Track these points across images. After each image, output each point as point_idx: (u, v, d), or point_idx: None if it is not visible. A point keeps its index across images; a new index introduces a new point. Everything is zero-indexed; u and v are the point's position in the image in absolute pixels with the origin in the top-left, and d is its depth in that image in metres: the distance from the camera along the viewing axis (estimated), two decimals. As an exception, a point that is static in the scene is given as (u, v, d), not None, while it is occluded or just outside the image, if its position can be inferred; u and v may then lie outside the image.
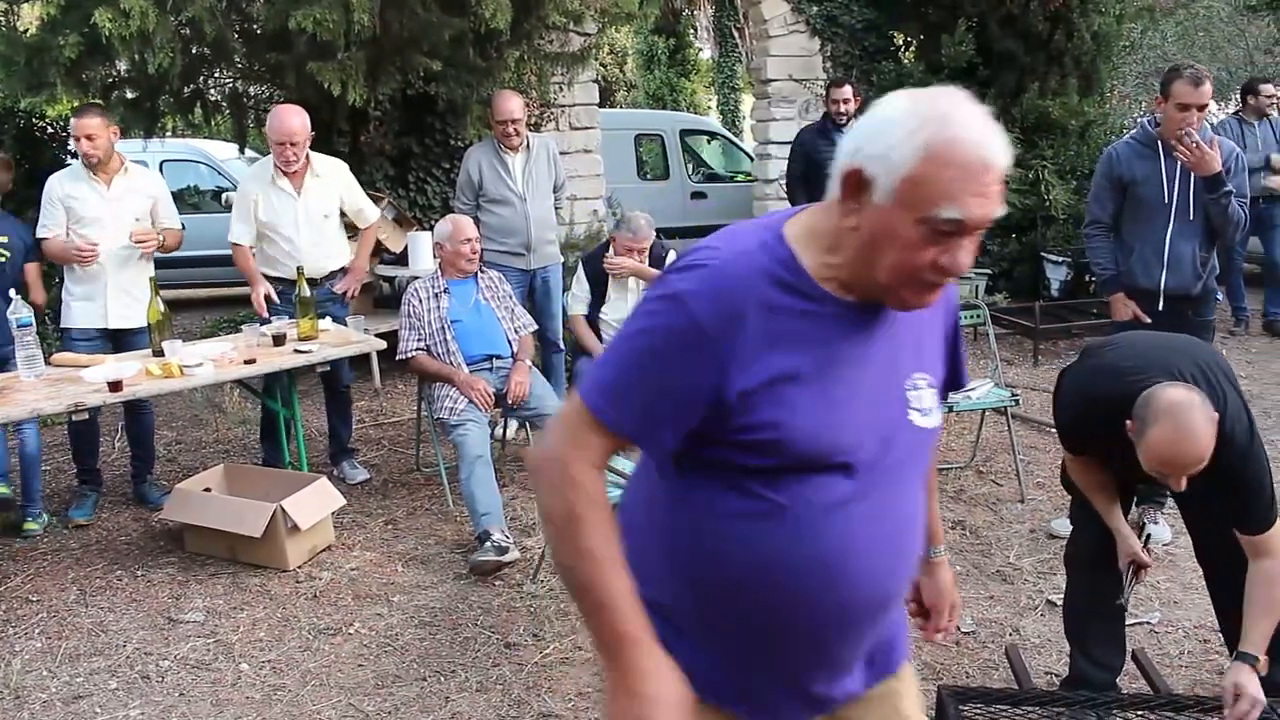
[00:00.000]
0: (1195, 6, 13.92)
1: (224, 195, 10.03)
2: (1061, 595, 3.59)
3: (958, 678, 3.51)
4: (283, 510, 4.26)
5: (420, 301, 4.86)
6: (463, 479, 4.44)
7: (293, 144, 4.89)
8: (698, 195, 11.91)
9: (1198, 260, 4.45)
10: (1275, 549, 2.72)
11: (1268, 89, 8.43)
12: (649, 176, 11.83)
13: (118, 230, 4.75)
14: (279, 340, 4.71)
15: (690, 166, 12.29)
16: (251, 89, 7.28)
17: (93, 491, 5.02)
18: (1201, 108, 4.28)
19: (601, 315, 5.25)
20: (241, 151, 8.82)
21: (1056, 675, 3.41)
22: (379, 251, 6.78)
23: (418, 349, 4.82)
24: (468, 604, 4.06)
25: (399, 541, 4.64)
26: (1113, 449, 2.74)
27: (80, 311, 4.82)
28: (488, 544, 4.25)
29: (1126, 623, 3.32)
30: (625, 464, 4.21)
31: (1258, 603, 2.75)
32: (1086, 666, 3.20)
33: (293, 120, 4.93)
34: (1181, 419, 2.53)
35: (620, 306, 5.21)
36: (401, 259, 6.97)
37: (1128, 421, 2.64)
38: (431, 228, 6.30)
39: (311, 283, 4.93)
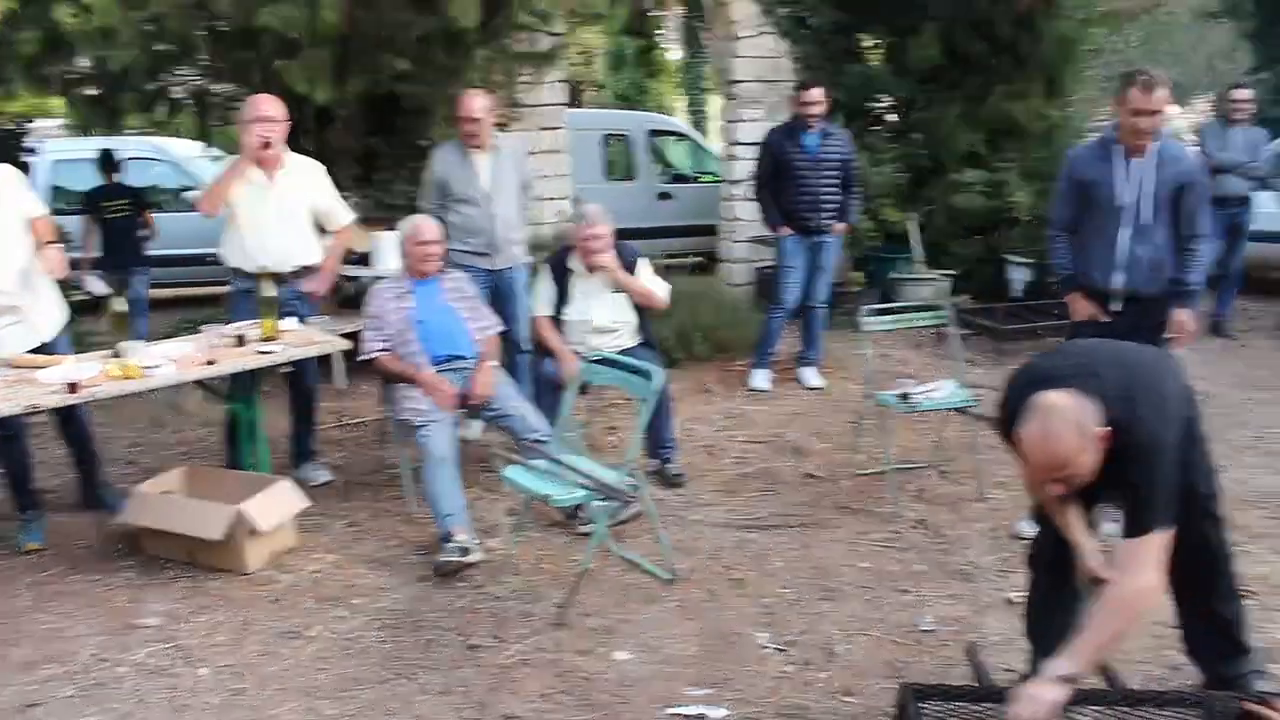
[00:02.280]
0: (1158, 13, 14.08)
1: (188, 194, 9.93)
2: (1021, 594, 3.62)
3: (919, 675, 3.52)
4: (243, 513, 4.22)
5: (384, 301, 4.84)
6: (426, 480, 4.43)
7: (270, 121, 4.84)
8: (664, 196, 11.92)
9: (1154, 263, 4.50)
10: (1140, 563, 2.71)
11: (1238, 94, 8.57)
12: (616, 177, 11.83)
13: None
14: (241, 341, 4.67)
15: (657, 167, 12.30)
16: (216, 87, 7.21)
17: (37, 514, 4.75)
18: (1154, 113, 4.34)
19: (564, 316, 5.24)
20: (206, 148, 8.73)
21: (1015, 671, 3.43)
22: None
23: (381, 349, 4.80)
24: (430, 605, 4.04)
25: (361, 543, 4.61)
26: None
27: None
28: (451, 545, 4.23)
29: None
30: (589, 464, 4.21)
31: (1095, 617, 2.77)
32: (1044, 665, 3.22)
33: (271, 103, 4.91)
34: (1044, 422, 2.59)
35: (584, 308, 5.20)
36: (366, 259, 6.94)
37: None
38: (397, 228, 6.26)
39: (279, 279, 4.90)
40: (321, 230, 5.28)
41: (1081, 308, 4.65)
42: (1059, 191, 4.72)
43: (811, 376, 7.07)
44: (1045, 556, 3.24)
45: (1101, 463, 2.70)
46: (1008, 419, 2.86)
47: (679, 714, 3.33)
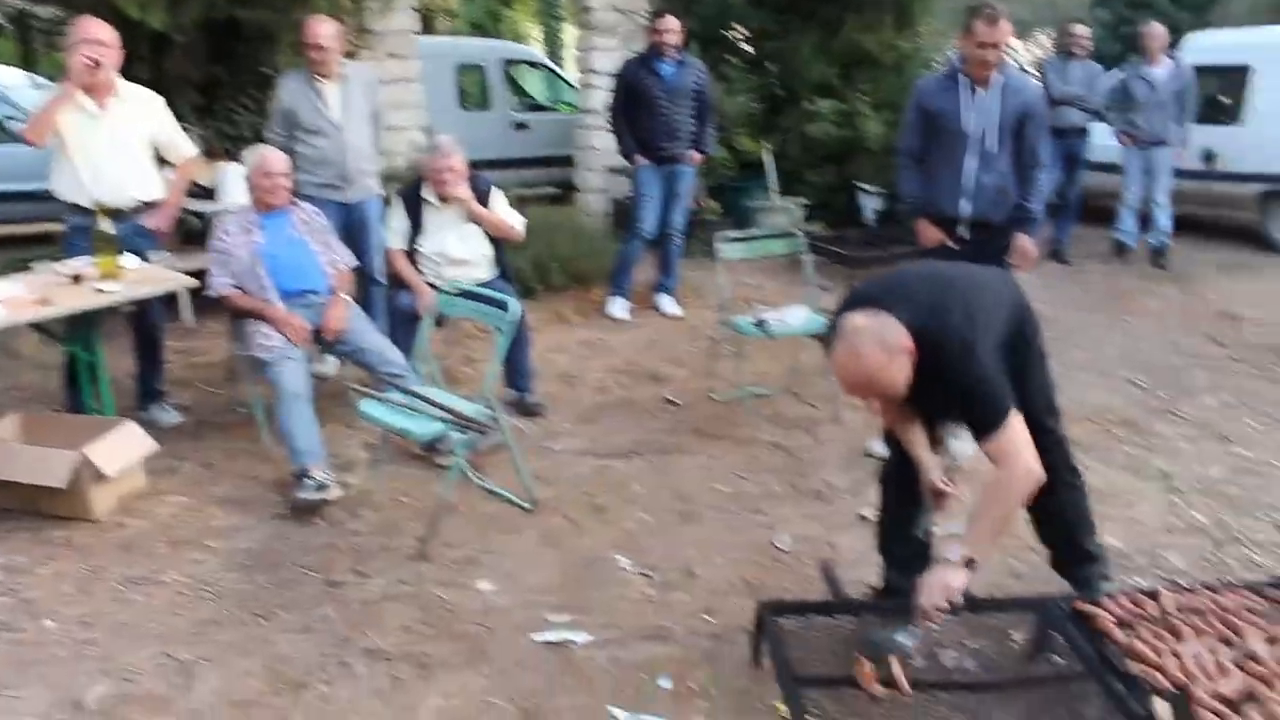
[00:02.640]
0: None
1: (13, 124, 9.37)
2: (873, 511, 3.75)
3: (776, 593, 3.64)
4: (87, 457, 4.08)
5: (230, 236, 4.69)
6: (280, 417, 4.34)
7: (99, 44, 4.60)
8: (521, 126, 11.77)
9: (997, 190, 4.65)
10: (1005, 458, 2.84)
11: (1077, 30, 8.88)
12: (470, 107, 11.61)
13: None
14: (77, 280, 4.47)
15: (513, 97, 12.12)
16: (40, 10, 6.81)
17: None
18: (997, 45, 4.46)
19: (419, 248, 5.16)
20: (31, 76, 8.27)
21: (869, 586, 3.57)
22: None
23: (229, 286, 4.65)
24: (288, 544, 3.99)
25: (215, 484, 4.51)
26: None
27: None
28: (307, 482, 4.17)
29: (934, 534, 3.49)
30: (444, 395, 4.19)
31: (978, 506, 2.94)
32: (894, 577, 3.36)
33: (99, 26, 4.65)
34: (850, 343, 2.71)
35: (438, 239, 5.13)
36: (211, 193, 6.70)
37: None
38: (242, 160, 6.06)
39: (117, 215, 4.69)
40: (162, 163, 5.07)
41: (930, 234, 4.79)
42: (907, 121, 4.83)
43: (669, 304, 7.14)
44: (894, 473, 3.36)
45: (925, 378, 2.80)
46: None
47: (544, 640, 3.37)
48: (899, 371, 2.76)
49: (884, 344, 2.72)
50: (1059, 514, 3.39)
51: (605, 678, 3.18)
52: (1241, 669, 2.78)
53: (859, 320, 2.76)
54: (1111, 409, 5.50)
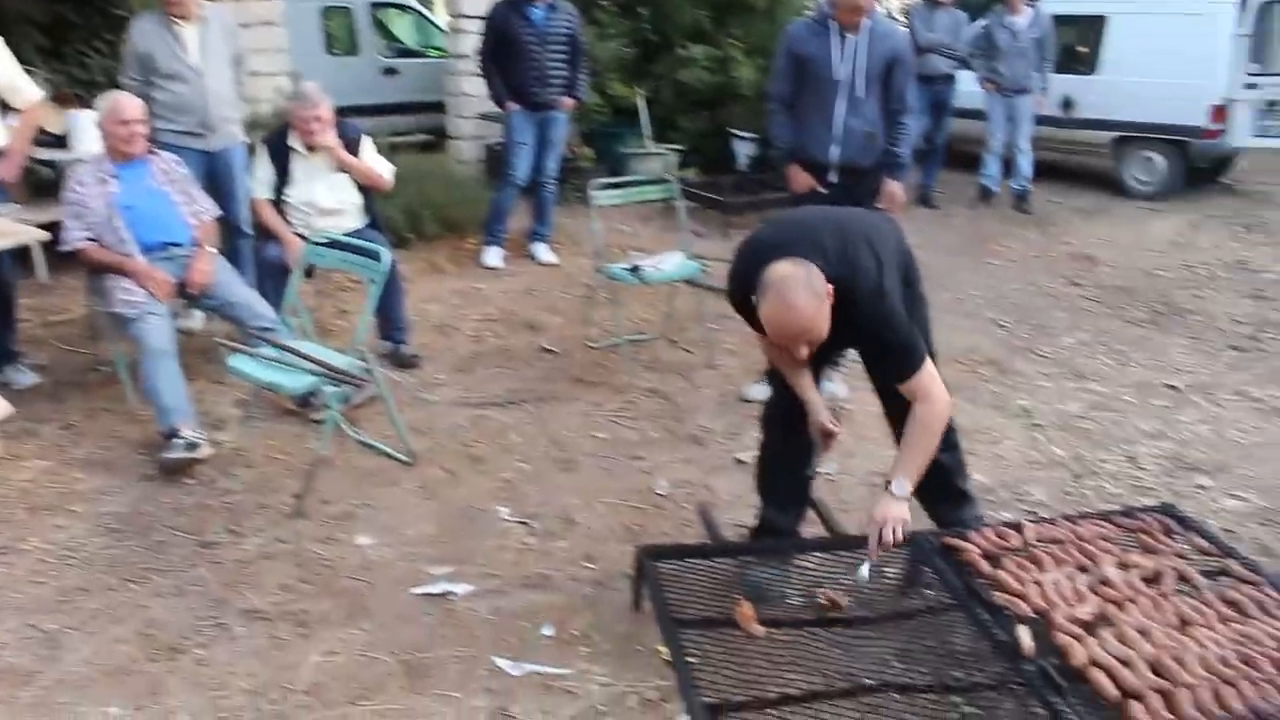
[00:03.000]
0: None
1: None
2: (749, 454, 3.82)
3: (655, 538, 3.68)
4: (-64, 421, 3.89)
5: (84, 187, 4.48)
6: (145, 375, 4.20)
7: None
8: (390, 72, 11.48)
9: (866, 135, 4.72)
10: (924, 394, 2.97)
11: None
12: (337, 52, 11.27)
13: None
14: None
15: (381, 42, 11.81)
16: None
17: None
18: None
19: (286, 198, 5.02)
20: None
21: (746, 527, 3.64)
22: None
23: (85, 239, 4.46)
24: (158, 506, 3.88)
25: (77, 446, 4.34)
26: None
27: None
28: (176, 441, 4.05)
29: (820, 473, 3.56)
30: (318, 349, 4.11)
31: (905, 439, 3.03)
32: (774, 516, 3.42)
33: None
34: (782, 293, 2.72)
35: (306, 189, 5.00)
36: (63, 141, 6.39)
37: (752, 297, 2.81)
38: (95, 106, 5.78)
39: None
40: (5, 108, 4.82)
41: (800, 179, 4.84)
42: (778, 67, 4.86)
43: (543, 252, 7.10)
44: (779, 415, 3.41)
45: (837, 323, 2.85)
46: (738, 289, 2.96)
47: (424, 593, 3.36)
48: (825, 318, 2.80)
49: (814, 291, 2.75)
50: (934, 457, 3.50)
51: (487, 628, 3.19)
52: (1096, 594, 2.93)
53: (787, 269, 2.76)
54: (977, 349, 5.68)
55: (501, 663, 3.01)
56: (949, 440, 3.50)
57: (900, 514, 2.95)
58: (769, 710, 2.66)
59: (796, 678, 2.80)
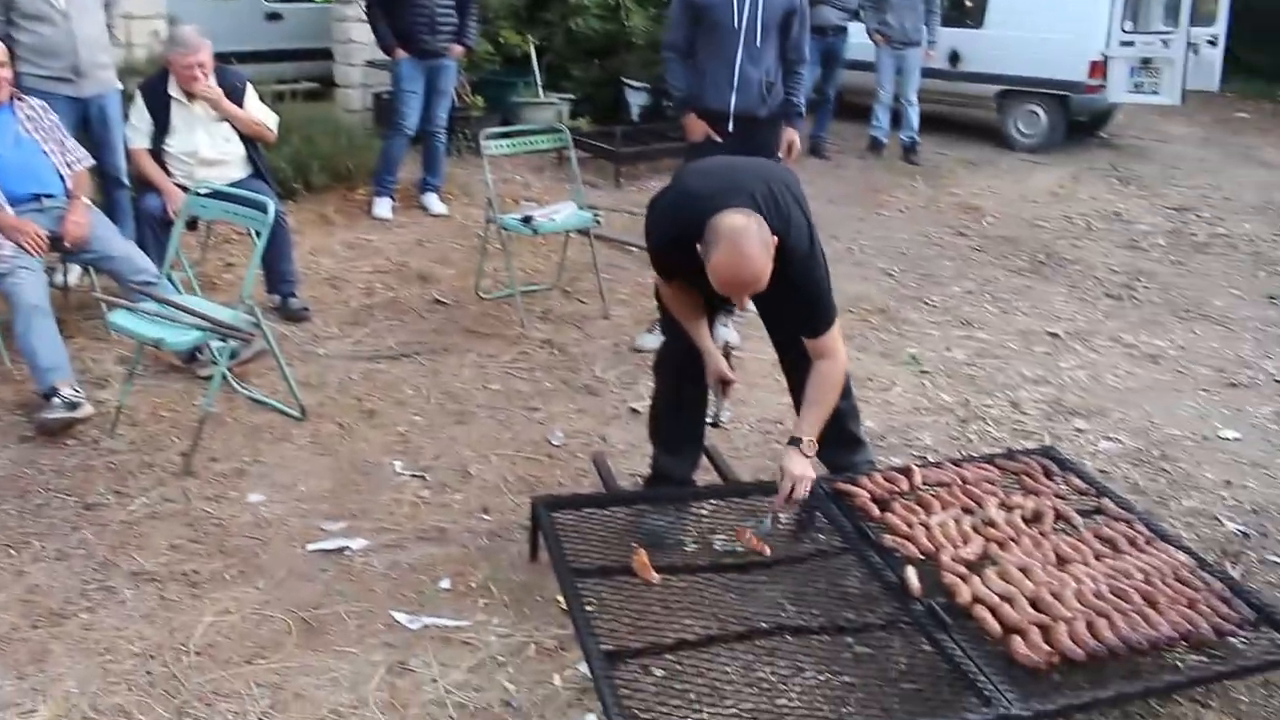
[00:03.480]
0: None
1: None
2: (644, 404, 3.85)
3: (551, 488, 3.69)
4: None
5: (-55, 136, 4.28)
6: (19, 334, 4.03)
7: None
8: (273, 16, 11.11)
9: (764, 84, 4.74)
10: (829, 351, 3.04)
11: None
12: (217, -6, 10.89)
13: None
14: None
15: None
16: None
17: None
18: None
19: (166, 147, 4.85)
20: None
21: (640, 476, 3.67)
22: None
23: (-52, 191, 4.26)
24: (37, 468, 3.74)
25: (-53, 407, 4.18)
26: (699, 273, 2.87)
27: None
28: (55, 401, 3.91)
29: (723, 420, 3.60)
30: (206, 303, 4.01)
31: (811, 396, 3.09)
32: (668, 464, 3.45)
33: None
34: (737, 244, 2.73)
35: (187, 138, 4.83)
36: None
37: (697, 246, 2.82)
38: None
39: None
40: None
41: (697, 128, 4.84)
42: (674, 16, 4.85)
43: (435, 203, 7.00)
44: (672, 363, 3.43)
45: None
46: (675, 239, 2.94)
47: (319, 549, 3.32)
48: (770, 269, 2.81)
49: (764, 242, 2.76)
50: None
51: (384, 582, 3.17)
52: (981, 534, 3.03)
53: (740, 220, 2.75)
54: (867, 298, 5.79)
55: (399, 617, 3.00)
56: (843, 388, 3.57)
57: (810, 472, 3.02)
58: (666, 655, 2.71)
59: (693, 623, 2.85)
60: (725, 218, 2.76)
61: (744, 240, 2.72)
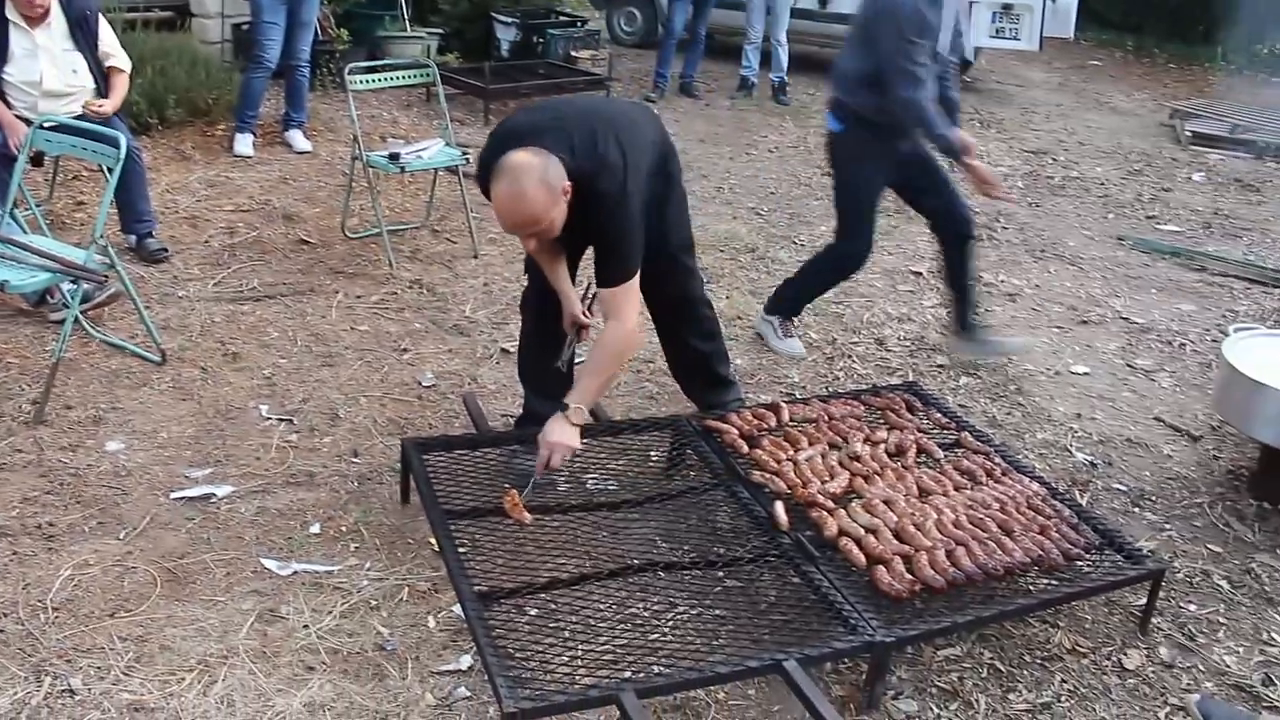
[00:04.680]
0: None
1: None
2: (514, 344, 3.83)
3: (421, 430, 3.66)
4: None
5: None
6: None
7: None
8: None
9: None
10: (619, 310, 2.98)
11: None
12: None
13: None
14: None
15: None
16: None
17: None
18: None
19: (5, 76, 4.57)
20: None
21: (511, 416, 3.66)
22: None
23: None
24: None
25: None
26: None
27: None
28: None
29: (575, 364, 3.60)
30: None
31: (589, 365, 3.10)
32: (538, 404, 3.44)
33: None
34: (513, 183, 2.71)
35: (29, 66, 4.55)
36: None
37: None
38: None
39: None
40: None
41: None
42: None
43: (298, 139, 6.78)
44: (533, 303, 3.41)
45: (577, 216, 2.85)
46: (485, 176, 2.90)
47: (183, 497, 3.24)
48: (560, 213, 2.77)
49: (548, 184, 2.72)
50: (695, 345, 3.59)
51: (252, 529, 3.11)
52: (846, 469, 3.12)
53: (524, 157, 2.72)
54: (737, 237, 5.84)
55: (268, 564, 2.95)
56: (710, 330, 3.61)
57: (571, 441, 2.97)
58: (540, 595, 2.72)
59: (566, 562, 2.88)
60: (511, 155, 2.74)
61: (521, 178, 2.69)
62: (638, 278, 2.99)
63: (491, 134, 3.06)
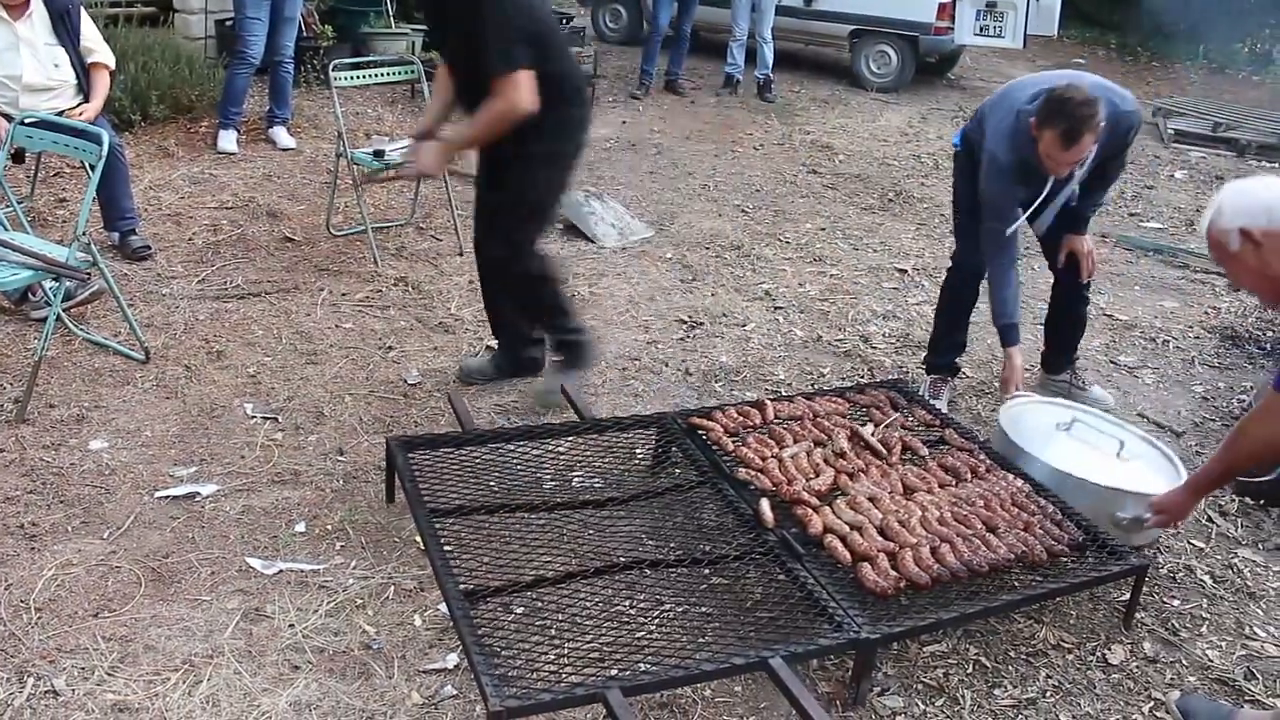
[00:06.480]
0: None
1: None
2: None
3: (407, 428, 3.66)
4: None
5: None
6: None
7: None
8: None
9: None
10: (501, 91, 3.31)
11: None
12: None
13: None
14: None
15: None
16: None
17: None
18: None
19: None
20: None
21: (497, 414, 3.66)
22: None
23: None
24: None
25: None
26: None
27: None
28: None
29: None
30: None
31: (473, 118, 3.53)
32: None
33: None
34: None
35: (10, 60, 4.51)
36: None
37: None
38: None
39: None
40: None
41: None
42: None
43: (283, 136, 6.76)
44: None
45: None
46: None
47: (168, 496, 3.22)
48: None
49: None
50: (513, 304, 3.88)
51: (237, 528, 3.10)
52: (831, 466, 3.12)
53: None
54: (723, 234, 5.84)
55: (253, 563, 2.94)
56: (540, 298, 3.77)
57: (435, 160, 3.64)
58: (525, 593, 2.72)
59: (552, 560, 2.87)
60: None
61: None
62: (529, 78, 3.30)
63: None
